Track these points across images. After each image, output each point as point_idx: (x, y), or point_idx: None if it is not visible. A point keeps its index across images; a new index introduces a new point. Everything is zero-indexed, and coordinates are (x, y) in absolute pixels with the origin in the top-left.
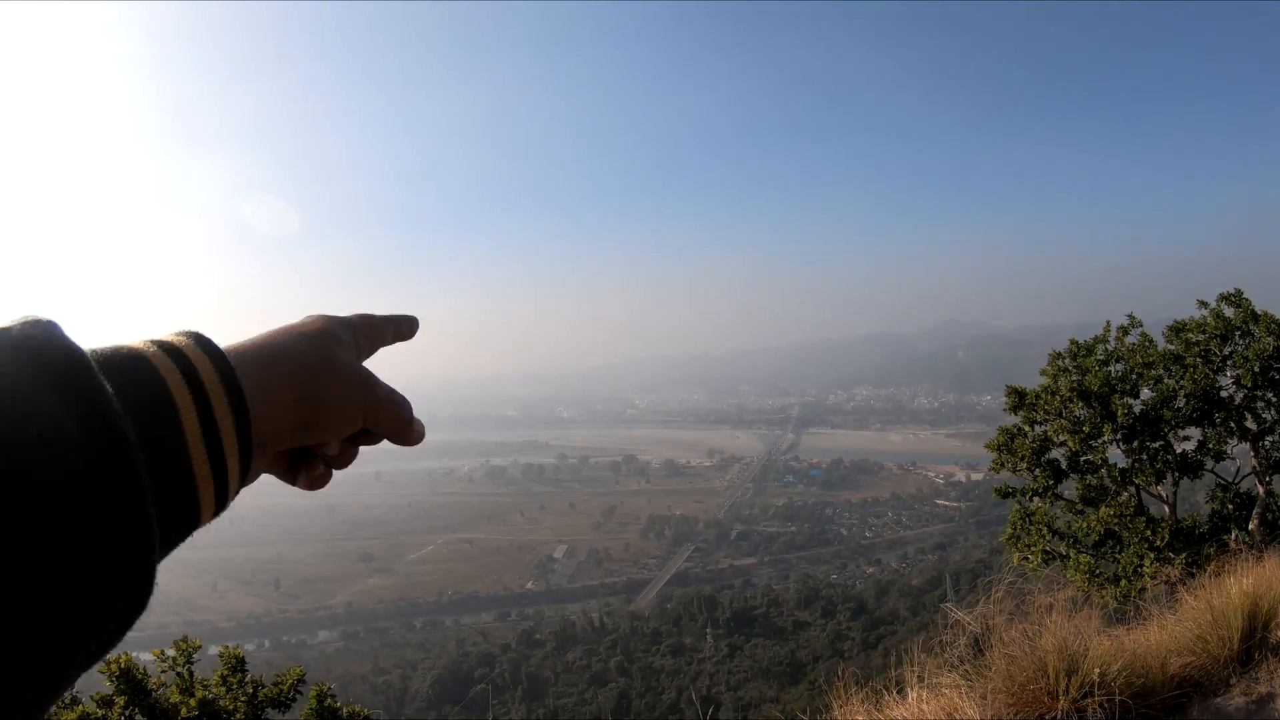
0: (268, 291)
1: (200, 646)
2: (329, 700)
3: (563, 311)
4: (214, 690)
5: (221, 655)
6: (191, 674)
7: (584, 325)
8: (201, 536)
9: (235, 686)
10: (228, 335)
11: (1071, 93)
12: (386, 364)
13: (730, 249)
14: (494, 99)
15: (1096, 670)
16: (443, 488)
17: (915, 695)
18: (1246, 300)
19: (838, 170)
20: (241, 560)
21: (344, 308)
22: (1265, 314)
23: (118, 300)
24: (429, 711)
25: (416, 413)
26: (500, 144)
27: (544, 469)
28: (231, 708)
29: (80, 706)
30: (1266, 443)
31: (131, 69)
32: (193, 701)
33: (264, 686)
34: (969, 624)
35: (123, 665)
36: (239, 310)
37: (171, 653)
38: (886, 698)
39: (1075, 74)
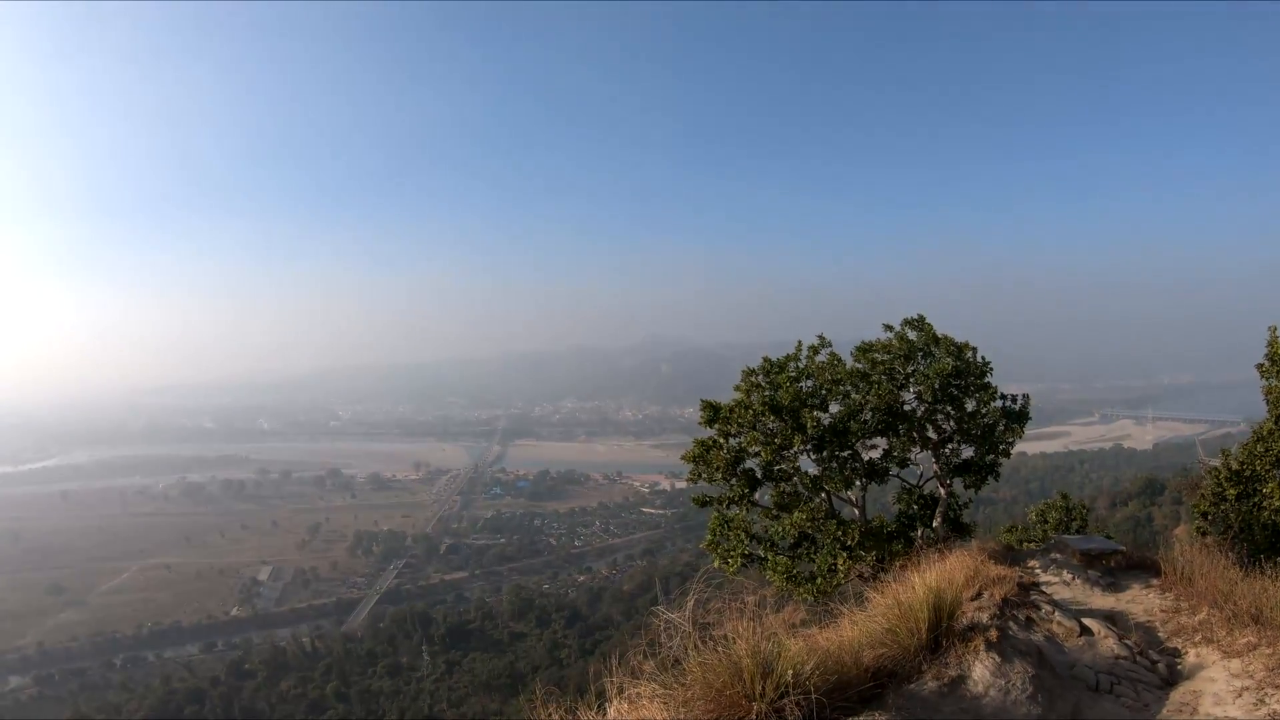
0: None
1: None
2: None
3: (264, 318)
4: None
5: None
6: None
7: (286, 333)
8: None
9: None
10: None
11: (773, 128)
12: (52, 372)
13: (439, 260)
14: (180, 92)
15: (790, 670)
16: (136, 507)
17: (614, 709)
18: (929, 325)
19: (548, 186)
20: None
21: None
22: (945, 337)
23: None
24: None
25: (103, 425)
26: (183, 136)
27: (244, 485)
28: None
29: None
30: (946, 450)
31: None
32: None
33: None
34: (680, 626)
35: None
36: None
37: None
38: (583, 714)
39: (782, 109)
